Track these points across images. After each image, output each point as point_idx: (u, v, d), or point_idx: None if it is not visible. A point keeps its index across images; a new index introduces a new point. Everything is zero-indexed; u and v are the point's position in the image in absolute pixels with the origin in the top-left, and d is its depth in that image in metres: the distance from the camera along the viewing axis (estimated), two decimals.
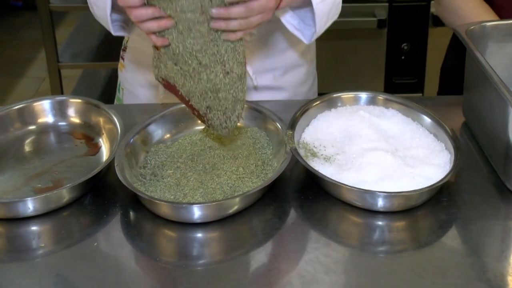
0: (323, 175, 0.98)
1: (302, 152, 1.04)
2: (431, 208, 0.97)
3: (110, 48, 2.47)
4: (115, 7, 1.03)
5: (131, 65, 1.28)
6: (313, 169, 0.99)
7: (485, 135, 1.07)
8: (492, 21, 1.17)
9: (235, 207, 0.95)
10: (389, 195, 0.95)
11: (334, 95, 1.12)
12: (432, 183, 0.97)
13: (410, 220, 0.96)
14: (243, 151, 1.05)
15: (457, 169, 0.98)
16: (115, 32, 1.07)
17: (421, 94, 2.26)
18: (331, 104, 1.12)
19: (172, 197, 0.97)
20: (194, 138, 1.09)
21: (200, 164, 1.02)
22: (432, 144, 1.06)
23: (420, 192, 0.95)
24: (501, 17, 1.25)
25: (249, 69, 1.19)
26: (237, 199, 0.94)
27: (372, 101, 1.13)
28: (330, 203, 0.98)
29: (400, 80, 2.26)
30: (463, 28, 1.12)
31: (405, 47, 2.19)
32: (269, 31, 1.18)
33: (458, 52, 1.12)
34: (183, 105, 1.11)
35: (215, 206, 0.94)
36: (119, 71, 1.33)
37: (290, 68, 1.24)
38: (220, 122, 0.98)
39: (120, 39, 1.26)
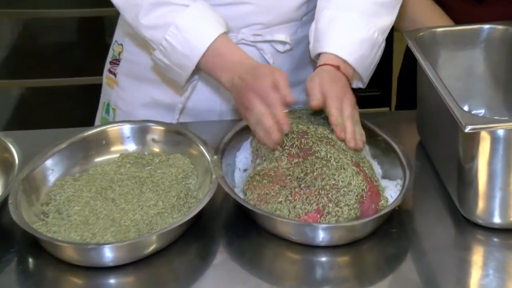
0: (254, 207, 1.02)
1: (237, 180, 1.08)
2: (378, 240, 1.03)
3: (20, 64, 2.48)
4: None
5: (129, 81, 1.33)
6: (242, 200, 1.03)
7: (439, 155, 1.14)
8: (443, 26, 1.24)
9: (152, 247, 0.98)
10: (330, 227, 1.00)
11: None
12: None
13: (354, 254, 1.01)
14: (164, 182, 1.09)
15: (405, 195, 1.03)
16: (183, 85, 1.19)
17: (388, 109, 2.31)
18: None
19: (78, 237, 0.99)
20: (106, 169, 1.12)
21: (112, 199, 1.06)
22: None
23: (363, 222, 1.00)
24: (451, 19, 1.33)
25: None
26: (154, 237, 0.98)
27: None
28: (264, 239, 1.03)
29: (361, 93, 2.31)
30: (412, 34, 1.18)
31: None
32: (299, 41, 1.29)
33: (413, 60, 1.18)
34: (94, 130, 1.15)
35: (129, 246, 0.97)
36: (107, 87, 1.37)
37: None
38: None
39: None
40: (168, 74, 1.19)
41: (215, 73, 1.14)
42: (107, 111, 1.36)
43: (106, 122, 1.35)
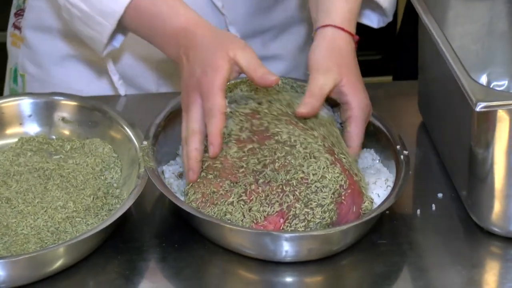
0: (195, 210, 1.03)
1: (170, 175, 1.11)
2: (363, 254, 1.05)
3: None
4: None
5: (36, 35, 1.33)
6: (181, 201, 1.05)
7: (445, 142, 1.17)
8: None
9: (59, 262, 1.00)
10: (297, 237, 1.02)
11: None
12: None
13: (330, 274, 1.03)
14: (76, 176, 1.10)
15: (398, 195, 1.06)
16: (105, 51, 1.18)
17: (391, 78, 2.34)
18: None
19: None
20: (0, 158, 1.13)
21: (7, 198, 1.07)
22: (366, 159, 1.15)
23: (342, 230, 1.02)
24: None
25: (235, 33, 1.31)
26: (62, 250, 0.99)
27: None
28: (209, 253, 1.05)
29: (358, 57, 2.32)
30: None
31: None
32: None
33: (415, 15, 1.20)
34: None
35: (27, 262, 0.98)
36: (12, 48, 1.38)
37: (285, 28, 1.36)
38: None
39: None
40: (84, 30, 1.18)
41: (154, 40, 1.14)
42: (15, 80, 1.38)
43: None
